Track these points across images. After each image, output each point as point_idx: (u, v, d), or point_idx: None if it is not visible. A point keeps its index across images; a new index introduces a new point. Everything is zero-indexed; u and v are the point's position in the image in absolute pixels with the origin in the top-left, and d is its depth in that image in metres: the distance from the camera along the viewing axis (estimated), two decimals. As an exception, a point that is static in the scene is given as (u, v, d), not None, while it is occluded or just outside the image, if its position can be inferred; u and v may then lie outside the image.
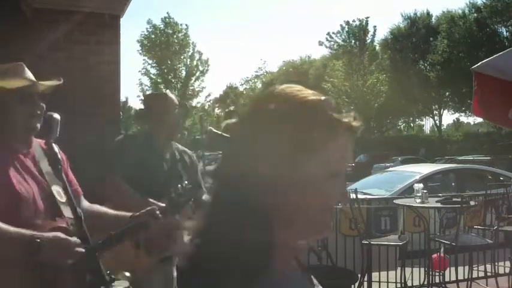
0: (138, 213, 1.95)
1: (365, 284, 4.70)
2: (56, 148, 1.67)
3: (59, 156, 1.67)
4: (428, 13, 39.60)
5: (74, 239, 1.56)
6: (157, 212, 1.93)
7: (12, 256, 1.54)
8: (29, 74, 1.83)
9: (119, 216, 1.99)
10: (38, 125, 1.75)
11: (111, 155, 2.73)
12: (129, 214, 1.96)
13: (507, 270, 5.18)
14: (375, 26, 37.83)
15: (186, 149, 2.91)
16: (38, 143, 1.81)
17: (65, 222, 1.68)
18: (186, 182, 2.13)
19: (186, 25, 35.78)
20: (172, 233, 2.33)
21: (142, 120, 2.99)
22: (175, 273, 2.75)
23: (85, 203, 1.98)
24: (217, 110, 59.78)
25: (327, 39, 39.74)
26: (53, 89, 1.86)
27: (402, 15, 40.28)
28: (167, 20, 35.09)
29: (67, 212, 1.76)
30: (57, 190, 1.76)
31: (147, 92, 33.86)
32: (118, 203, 2.46)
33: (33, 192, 1.71)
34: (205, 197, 2.96)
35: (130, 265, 1.79)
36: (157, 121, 2.75)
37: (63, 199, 1.76)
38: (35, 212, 1.69)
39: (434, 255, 4.94)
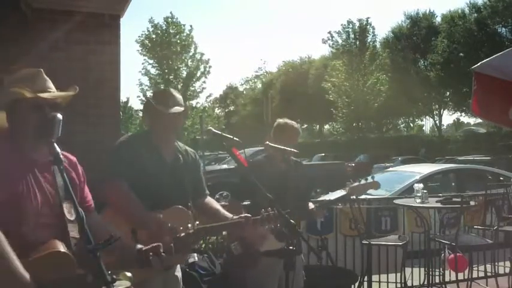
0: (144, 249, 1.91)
1: (365, 284, 4.70)
2: (57, 148, 1.64)
3: (61, 156, 1.64)
4: (431, 12, 39.51)
5: None
6: (161, 251, 1.90)
7: None
8: (50, 84, 1.81)
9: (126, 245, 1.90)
10: (52, 134, 1.68)
11: (112, 155, 2.63)
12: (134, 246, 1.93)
13: (507, 270, 5.18)
14: (373, 26, 37.74)
15: (187, 148, 2.82)
16: (63, 156, 1.70)
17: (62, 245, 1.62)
18: (197, 222, 2.10)
19: (190, 26, 35.65)
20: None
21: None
22: (178, 273, 2.74)
23: (94, 219, 1.89)
24: (217, 110, 59.78)
25: (328, 39, 39.78)
26: (69, 99, 1.83)
27: (405, 15, 40.17)
28: (169, 20, 34.97)
29: (74, 231, 1.68)
30: (67, 207, 1.69)
31: (147, 92, 33.77)
32: (118, 207, 2.43)
33: (38, 207, 1.66)
34: (207, 200, 2.92)
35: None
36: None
37: (73, 217, 1.68)
38: (35, 227, 1.64)
39: (451, 256, 4.74)
